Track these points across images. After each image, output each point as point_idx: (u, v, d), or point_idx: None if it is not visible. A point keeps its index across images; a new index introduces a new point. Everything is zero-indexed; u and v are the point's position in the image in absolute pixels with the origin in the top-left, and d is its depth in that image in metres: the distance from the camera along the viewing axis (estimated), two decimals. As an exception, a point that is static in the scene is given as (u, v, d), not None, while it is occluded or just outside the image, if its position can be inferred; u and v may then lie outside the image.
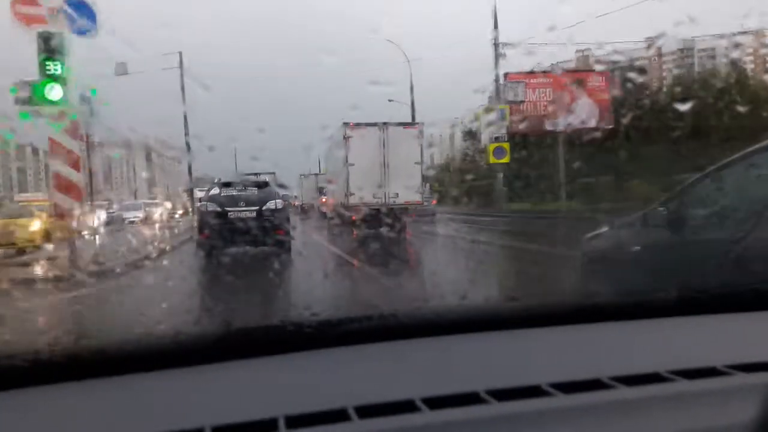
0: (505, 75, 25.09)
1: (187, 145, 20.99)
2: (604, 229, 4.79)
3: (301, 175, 33.62)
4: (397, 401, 0.90)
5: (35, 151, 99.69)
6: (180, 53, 22.76)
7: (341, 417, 0.87)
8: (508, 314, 1.42)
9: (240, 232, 10.69)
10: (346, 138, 16.35)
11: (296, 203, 31.66)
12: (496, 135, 24.32)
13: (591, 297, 1.75)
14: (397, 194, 16.30)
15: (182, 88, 21.21)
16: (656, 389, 0.95)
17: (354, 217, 16.34)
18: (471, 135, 43.03)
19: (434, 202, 19.30)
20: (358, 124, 16.35)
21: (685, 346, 1.20)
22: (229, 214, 11.08)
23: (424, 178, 17.21)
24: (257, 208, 11.27)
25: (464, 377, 1.03)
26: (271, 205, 11.43)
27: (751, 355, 1.05)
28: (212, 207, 11.28)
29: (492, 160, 23.97)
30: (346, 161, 16.36)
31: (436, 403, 0.90)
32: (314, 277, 8.62)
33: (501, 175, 25.64)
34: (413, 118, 27.09)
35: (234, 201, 11.39)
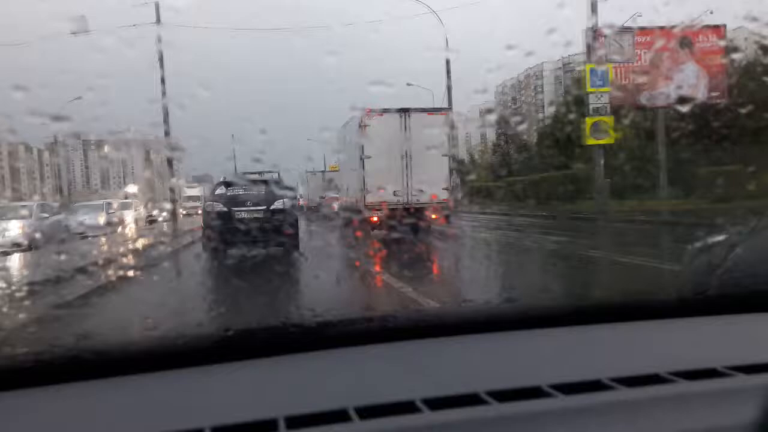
0: (593, 30, 17.58)
1: (165, 117, 17.86)
2: (721, 236, 3.08)
3: (306, 172, 31.28)
4: (398, 402, 0.90)
5: (29, 149, 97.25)
6: (156, 4, 19.73)
7: (342, 418, 0.87)
8: (508, 315, 1.42)
9: (247, 233, 10.38)
10: (362, 126, 14.22)
11: (302, 203, 29.10)
12: (595, 105, 17.46)
13: (590, 298, 1.71)
14: (421, 191, 14.21)
15: (159, 41, 18.30)
16: (656, 390, 0.94)
17: (371, 218, 14.29)
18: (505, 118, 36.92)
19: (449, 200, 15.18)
20: (375, 111, 14.21)
21: (685, 348, 1.20)
22: (235, 214, 10.76)
23: (453, 172, 15.01)
24: (264, 207, 10.87)
25: (465, 378, 1.03)
26: (278, 204, 10.99)
27: (752, 356, 1.05)
28: (218, 207, 10.92)
29: (589, 140, 17.27)
30: (363, 153, 14.25)
31: (436, 404, 0.90)
32: (328, 287, 7.39)
33: (602, 161, 17.90)
34: (450, 102, 23.42)
35: (241, 201, 11.02)
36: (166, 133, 19.47)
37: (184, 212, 30.90)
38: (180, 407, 0.97)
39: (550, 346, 1.23)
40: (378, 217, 14.17)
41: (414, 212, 14.17)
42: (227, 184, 11.64)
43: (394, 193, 14.18)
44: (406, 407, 0.88)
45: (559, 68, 79.69)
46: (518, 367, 1.11)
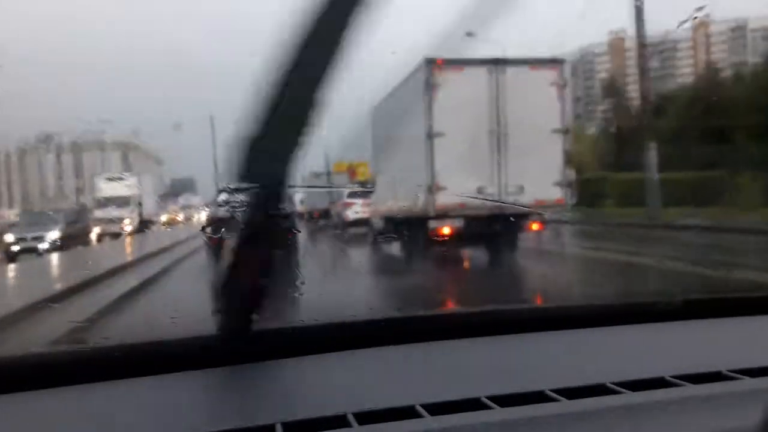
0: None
1: None
2: None
3: (310, 173, 25.76)
4: (398, 407, 0.89)
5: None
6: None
7: (340, 423, 0.86)
8: (509, 318, 1.38)
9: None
10: (431, 87, 9.11)
11: (304, 210, 22.60)
12: None
13: (594, 300, 1.65)
14: (522, 187, 9.21)
15: None
16: (661, 394, 0.93)
17: (441, 230, 9.27)
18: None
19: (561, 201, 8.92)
20: (451, 62, 9.14)
21: (690, 351, 1.17)
22: (236, 219, 7.23)
23: (569, 158, 9.82)
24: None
25: (466, 382, 1.01)
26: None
27: (757, 359, 1.02)
28: (221, 213, 9.27)
29: None
30: (431, 129, 9.18)
31: (437, 409, 0.88)
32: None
33: None
34: (640, 31, 15.11)
35: (241, 206, 7.77)
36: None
37: (98, 230, 19.14)
38: (173, 412, 0.96)
39: (553, 349, 1.21)
40: (452, 228, 9.11)
41: (510, 222, 9.14)
42: (228, 191, 9.84)
43: (479, 191, 9.13)
44: (407, 412, 0.88)
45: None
46: (520, 370, 1.09)
